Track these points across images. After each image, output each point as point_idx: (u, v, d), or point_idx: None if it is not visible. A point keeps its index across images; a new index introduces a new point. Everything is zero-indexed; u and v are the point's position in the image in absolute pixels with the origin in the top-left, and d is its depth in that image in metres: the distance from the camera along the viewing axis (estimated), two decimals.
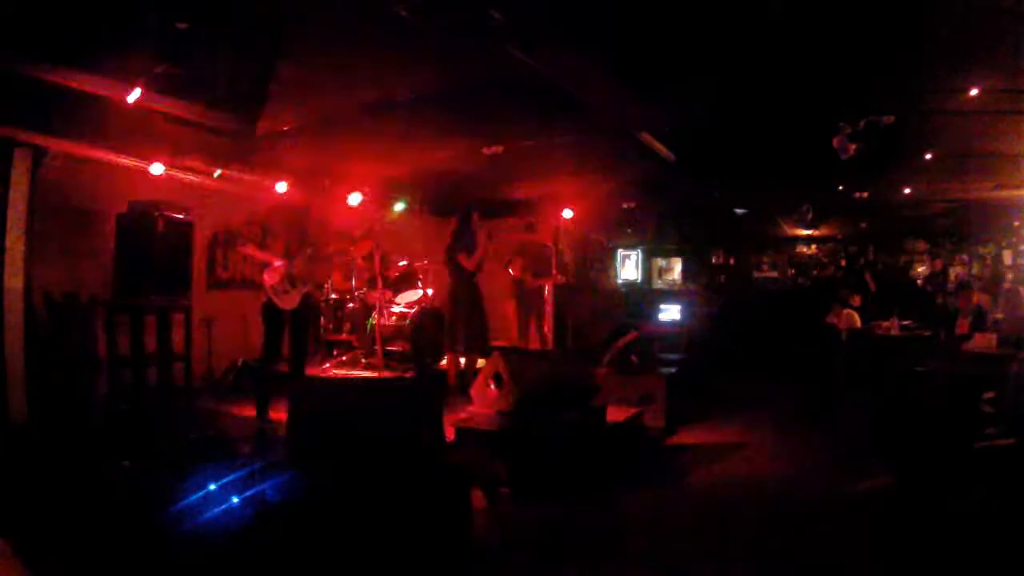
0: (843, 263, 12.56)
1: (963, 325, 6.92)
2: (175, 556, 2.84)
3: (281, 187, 6.94)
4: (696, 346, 8.86)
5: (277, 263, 5.30)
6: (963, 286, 7.55)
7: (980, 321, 6.78)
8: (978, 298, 7.56)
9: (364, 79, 4.79)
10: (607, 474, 4.72)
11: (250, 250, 5.43)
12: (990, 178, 8.18)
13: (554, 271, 7.61)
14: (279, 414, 5.16)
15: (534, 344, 7.52)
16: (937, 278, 11.30)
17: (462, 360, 6.84)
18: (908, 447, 4.98)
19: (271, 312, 5.36)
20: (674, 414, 6.37)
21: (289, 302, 5.33)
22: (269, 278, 5.31)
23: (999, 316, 7.38)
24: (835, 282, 11.75)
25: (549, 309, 7.71)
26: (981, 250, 11.58)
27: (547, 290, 7.50)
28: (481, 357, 6.43)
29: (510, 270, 7.44)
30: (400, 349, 7.10)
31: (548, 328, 7.71)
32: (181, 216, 6.13)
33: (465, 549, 3.28)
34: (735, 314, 10.86)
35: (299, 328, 5.54)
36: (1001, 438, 4.36)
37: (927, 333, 7.78)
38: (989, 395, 5.27)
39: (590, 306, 10.82)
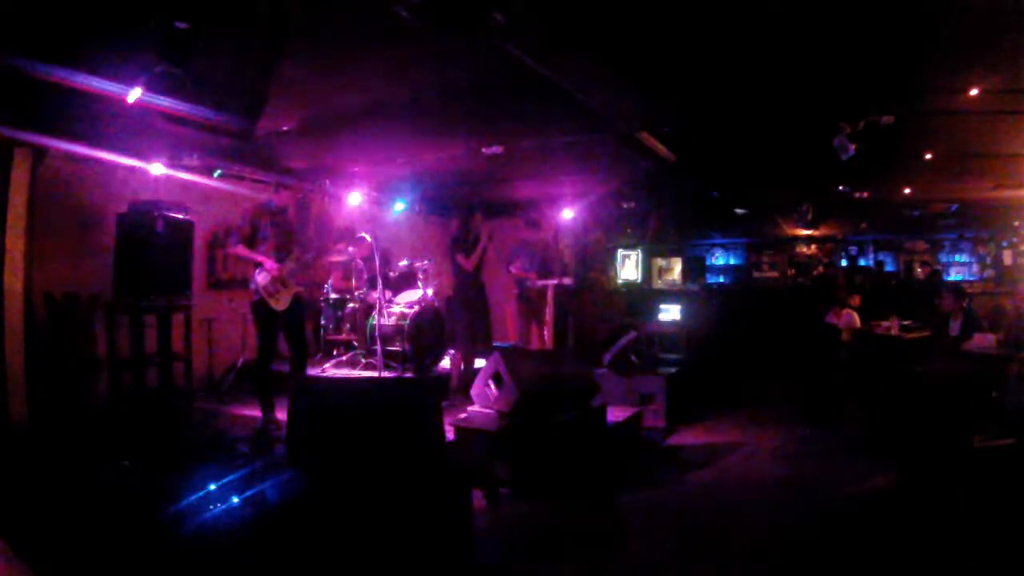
0: (843, 263, 12.56)
1: (954, 327, 6.92)
2: (175, 556, 2.84)
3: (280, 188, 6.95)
4: (696, 346, 8.86)
5: (268, 264, 5.30)
6: (947, 288, 7.55)
7: (971, 323, 6.78)
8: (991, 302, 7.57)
9: (364, 79, 4.79)
10: (607, 474, 4.73)
11: (240, 251, 5.42)
12: (990, 178, 8.18)
13: (558, 271, 7.58)
14: (280, 414, 5.17)
15: (535, 345, 7.51)
16: (936, 278, 11.30)
17: (462, 360, 6.84)
18: (908, 447, 4.98)
19: (263, 313, 5.36)
20: (674, 414, 6.38)
21: (280, 303, 5.34)
22: (261, 279, 5.31)
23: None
24: (835, 282, 11.75)
25: (550, 309, 7.68)
26: (981, 250, 11.58)
27: (549, 291, 7.47)
28: (481, 357, 6.42)
29: (511, 269, 7.43)
30: (400, 349, 7.09)
31: (549, 329, 7.69)
32: (181, 216, 6.13)
33: (465, 549, 3.28)
34: (735, 314, 10.86)
35: (294, 328, 5.55)
36: (1001, 438, 4.36)
37: (927, 333, 7.78)
38: (989, 395, 5.27)
39: (590, 306, 10.83)
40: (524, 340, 7.47)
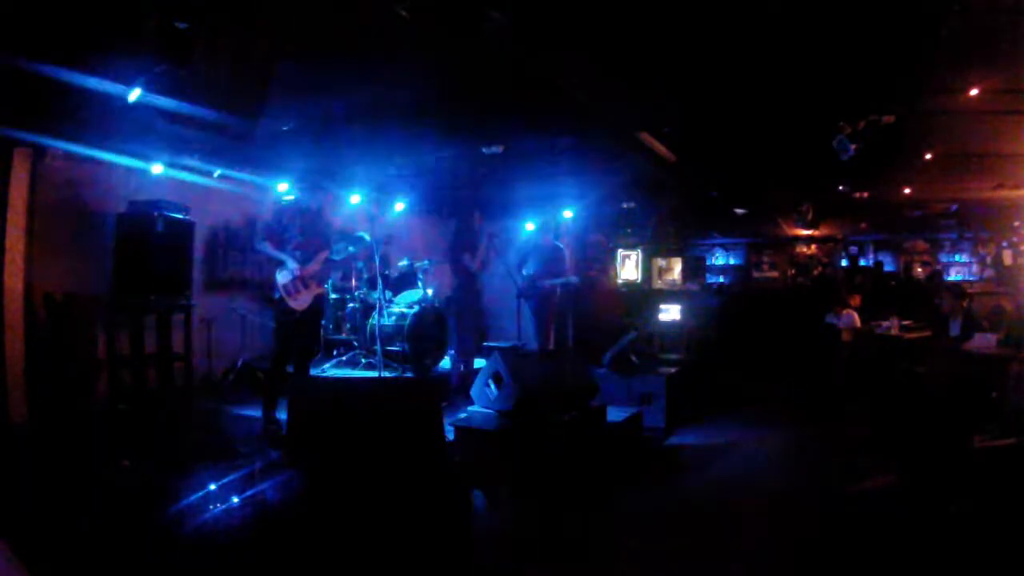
0: (843, 263, 12.57)
1: (954, 327, 6.93)
2: (175, 556, 2.84)
3: (283, 187, 6.94)
4: (696, 346, 8.86)
5: (292, 264, 5.30)
6: (947, 288, 7.56)
7: (971, 323, 6.78)
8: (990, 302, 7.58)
9: (364, 79, 4.79)
10: (607, 474, 4.73)
11: (265, 248, 5.41)
12: (990, 178, 8.18)
13: (565, 271, 7.63)
14: (280, 414, 5.17)
15: (545, 345, 7.53)
16: (936, 278, 11.31)
17: (463, 360, 6.84)
18: (908, 447, 4.98)
19: (284, 313, 5.35)
20: (674, 414, 6.38)
21: (300, 303, 5.34)
22: (282, 278, 5.31)
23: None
24: (835, 282, 11.75)
25: (556, 310, 7.73)
26: (981, 250, 11.59)
27: (558, 291, 7.53)
28: (481, 357, 6.43)
29: (523, 271, 7.47)
30: (400, 349, 7.09)
31: (551, 329, 7.73)
32: (181, 216, 6.13)
33: (465, 549, 3.28)
34: (735, 314, 10.86)
35: (309, 329, 5.54)
36: (1001, 438, 4.36)
37: (927, 333, 7.78)
38: (989, 395, 5.27)
39: (590, 306, 10.81)
40: (543, 340, 7.50)
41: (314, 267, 5.42)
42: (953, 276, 11.65)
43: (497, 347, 6.16)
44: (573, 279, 7.61)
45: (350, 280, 7.70)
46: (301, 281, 5.33)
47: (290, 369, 5.57)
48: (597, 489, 4.48)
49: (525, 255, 7.61)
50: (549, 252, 7.55)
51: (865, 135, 5.46)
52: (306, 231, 5.48)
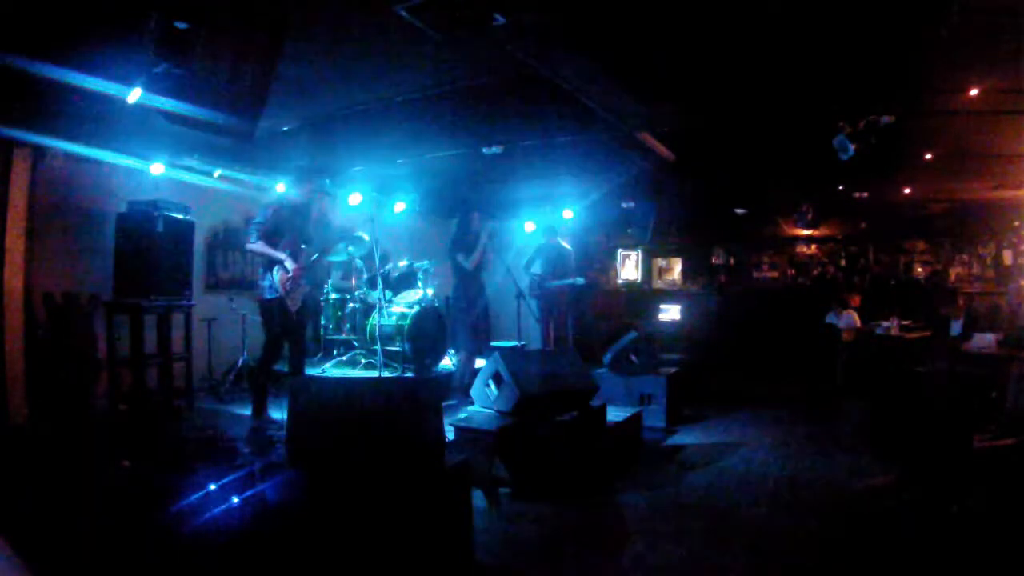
0: (843, 263, 12.56)
1: (954, 327, 6.94)
2: (175, 556, 2.84)
3: (282, 187, 6.93)
4: (696, 346, 8.86)
5: (288, 263, 5.31)
6: (946, 289, 7.59)
7: (971, 323, 6.79)
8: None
9: (364, 79, 4.79)
10: (607, 474, 4.73)
11: (260, 248, 5.41)
12: (990, 178, 8.18)
13: (572, 272, 7.64)
14: (279, 414, 5.17)
15: (551, 345, 7.54)
16: (936, 278, 11.31)
17: (464, 360, 6.84)
18: (908, 447, 4.98)
19: (277, 312, 5.35)
20: (674, 414, 6.38)
21: (295, 303, 5.35)
22: (281, 277, 5.31)
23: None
24: (835, 282, 11.75)
25: (561, 310, 7.75)
26: (981, 250, 11.58)
27: (565, 292, 7.56)
28: (481, 357, 6.43)
29: (532, 271, 7.46)
30: (400, 349, 7.09)
31: (553, 329, 7.74)
32: (181, 216, 6.13)
33: (465, 550, 3.28)
34: (735, 314, 10.86)
35: (300, 328, 5.55)
36: (1001, 438, 4.36)
37: (927, 333, 7.79)
38: (989, 395, 5.27)
39: (590, 306, 10.81)
40: (545, 341, 7.50)
41: (302, 265, 5.43)
42: (953, 276, 11.64)
43: (497, 347, 6.15)
44: (579, 280, 7.62)
45: (350, 280, 7.71)
46: (294, 280, 5.35)
47: (285, 370, 5.59)
48: (597, 489, 4.48)
49: (532, 256, 7.62)
50: (555, 253, 7.56)
51: (865, 135, 5.46)
52: (295, 229, 5.48)
